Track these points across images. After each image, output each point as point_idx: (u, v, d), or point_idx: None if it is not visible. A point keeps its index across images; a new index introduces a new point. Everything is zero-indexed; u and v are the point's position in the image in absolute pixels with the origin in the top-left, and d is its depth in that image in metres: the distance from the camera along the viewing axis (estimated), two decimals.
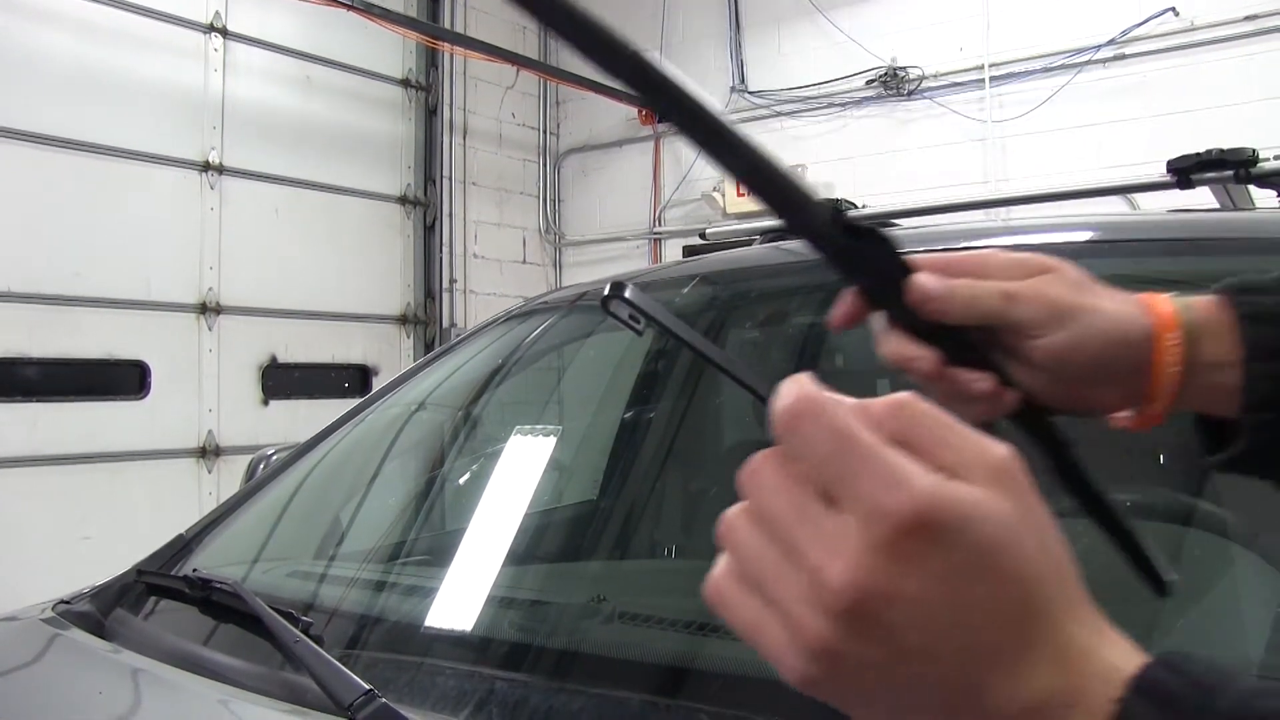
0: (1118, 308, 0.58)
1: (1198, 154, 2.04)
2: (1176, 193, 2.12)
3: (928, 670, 0.37)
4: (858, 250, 0.52)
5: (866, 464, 0.37)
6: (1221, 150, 2.01)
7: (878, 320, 0.55)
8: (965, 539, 0.37)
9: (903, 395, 0.40)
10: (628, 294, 0.49)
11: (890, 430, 0.39)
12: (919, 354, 0.55)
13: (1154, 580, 0.55)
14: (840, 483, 0.38)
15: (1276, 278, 0.59)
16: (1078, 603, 0.39)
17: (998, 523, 0.37)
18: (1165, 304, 0.59)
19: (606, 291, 0.49)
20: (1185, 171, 2.05)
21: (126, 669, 1.18)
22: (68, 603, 1.46)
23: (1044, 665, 0.38)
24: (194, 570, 1.35)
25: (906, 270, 0.54)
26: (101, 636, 1.36)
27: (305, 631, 1.09)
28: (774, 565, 0.38)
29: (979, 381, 0.55)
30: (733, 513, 0.41)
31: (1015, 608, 0.37)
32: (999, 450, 0.39)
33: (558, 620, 1.13)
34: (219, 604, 1.27)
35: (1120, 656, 0.38)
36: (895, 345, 0.56)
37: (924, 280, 0.54)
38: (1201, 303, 0.60)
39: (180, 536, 1.65)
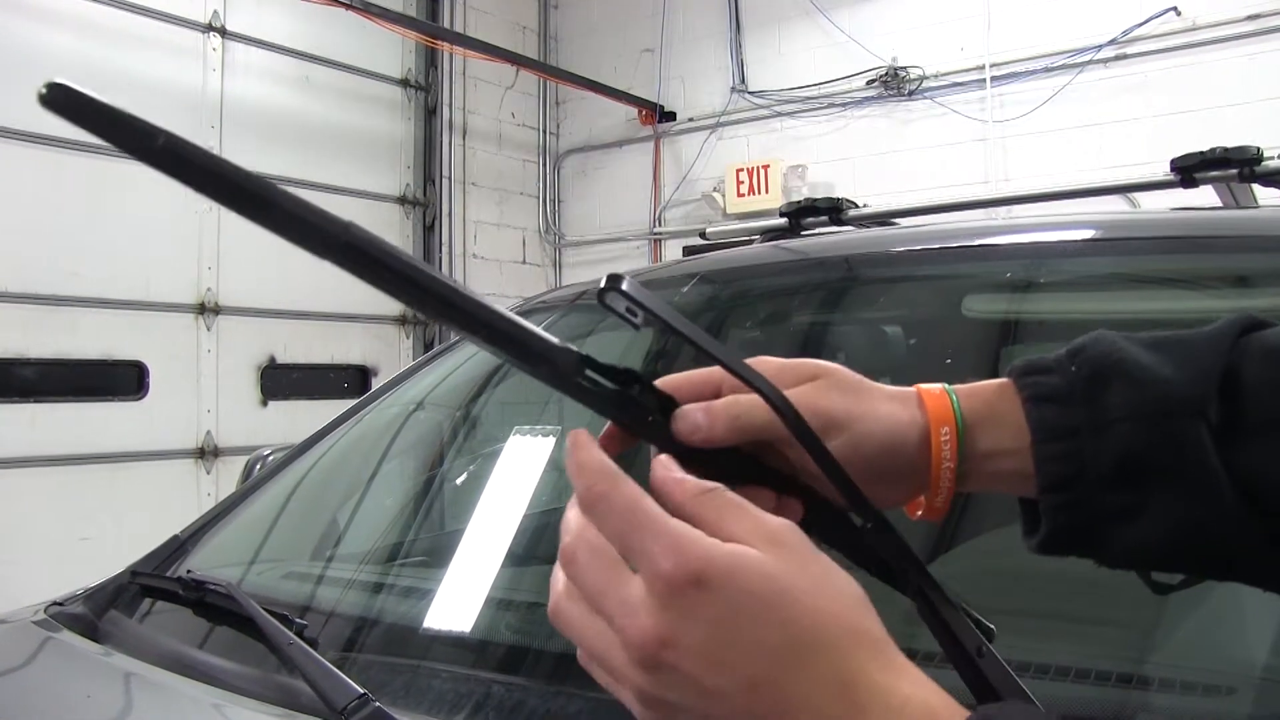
0: (890, 408, 0.57)
1: (1201, 152, 2.02)
2: (1177, 193, 2.10)
3: (730, 707, 0.44)
4: (613, 392, 0.51)
5: (649, 533, 0.45)
6: (1225, 149, 1.99)
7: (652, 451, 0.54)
8: (733, 587, 0.43)
9: (710, 484, 0.48)
10: (624, 286, 0.47)
11: (690, 510, 0.46)
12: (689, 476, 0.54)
13: (982, 630, 0.57)
14: (631, 551, 0.45)
15: (1058, 357, 0.58)
16: (867, 643, 0.44)
17: (762, 574, 0.44)
18: (939, 397, 0.58)
19: (602, 284, 0.47)
20: (1189, 170, 2.03)
21: (118, 672, 1.17)
22: (60, 604, 1.45)
23: (829, 699, 0.43)
24: (188, 572, 1.34)
25: (667, 405, 0.53)
26: (94, 639, 1.34)
27: (299, 634, 1.08)
28: (599, 638, 0.46)
29: (757, 499, 0.53)
30: (558, 595, 0.48)
31: (790, 647, 0.43)
32: (776, 522, 0.46)
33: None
34: (213, 606, 1.25)
35: (916, 691, 0.43)
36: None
37: (688, 412, 0.54)
38: (984, 389, 0.59)
39: (175, 537, 1.63)
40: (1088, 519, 0.55)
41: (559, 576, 0.48)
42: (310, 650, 0.99)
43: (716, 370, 0.56)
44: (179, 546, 1.61)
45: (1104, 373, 0.56)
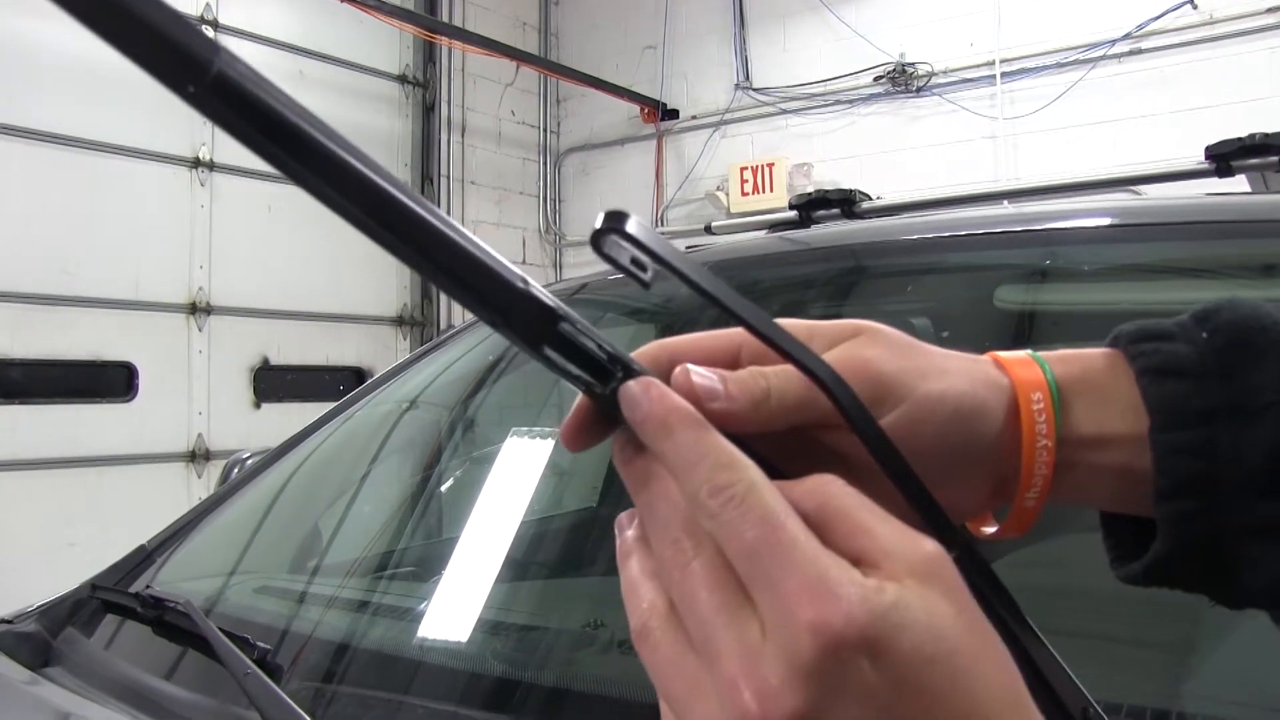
0: (960, 365, 0.44)
1: (1239, 139, 1.92)
2: (1185, 187, 2.01)
3: None
4: (588, 370, 0.38)
5: (791, 564, 0.33)
6: (1266, 134, 1.89)
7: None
8: (900, 653, 0.32)
9: (826, 475, 0.36)
10: (630, 228, 0.34)
11: (808, 507, 0.35)
12: None
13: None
14: (761, 582, 0.33)
15: (1181, 322, 0.45)
16: (1022, 708, 0.34)
17: (932, 632, 0.33)
18: (1023, 361, 0.45)
19: (599, 224, 0.34)
20: (1226, 157, 1.93)
21: (49, 709, 1.05)
22: (9, 621, 1.33)
23: None
24: (147, 587, 1.22)
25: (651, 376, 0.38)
26: (46, 661, 1.23)
27: (261, 659, 0.96)
28: (693, 687, 0.34)
29: None
30: (654, 610, 0.36)
31: None
32: (927, 545, 0.34)
33: (548, 650, 0.98)
34: (173, 625, 1.13)
35: None
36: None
37: (693, 380, 0.39)
38: (1079, 356, 0.45)
39: (142, 547, 1.52)
40: (1221, 535, 0.42)
41: (646, 587, 0.36)
42: (267, 681, 0.87)
43: (732, 335, 0.43)
44: (146, 557, 1.50)
45: (1249, 340, 0.42)
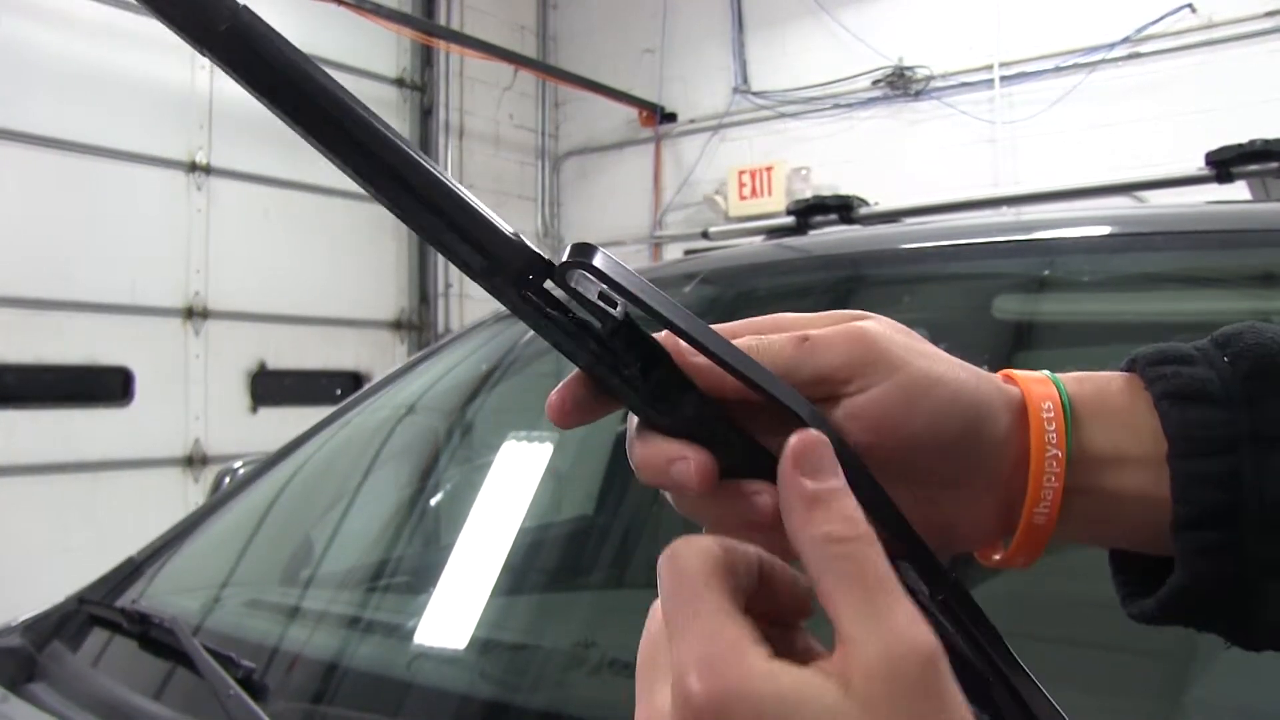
0: (968, 368, 0.42)
1: (1239, 145, 1.90)
2: (1185, 193, 1.99)
3: None
4: (574, 321, 0.36)
5: (691, 624, 0.31)
6: (1266, 140, 1.87)
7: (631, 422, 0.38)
8: None
9: (854, 530, 0.32)
10: (597, 262, 0.32)
11: (805, 552, 0.32)
12: (684, 453, 0.37)
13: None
14: (670, 630, 0.31)
15: (1202, 345, 0.43)
16: None
17: None
18: (1037, 377, 0.43)
19: (564, 257, 0.32)
20: (1226, 164, 1.91)
21: None
22: None
23: None
24: (132, 601, 1.20)
25: (653, 356, 0.37)
26: (30, 676, 1.21)
27: (246, 678, 0.94)
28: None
29: (763, 494, 0.37)
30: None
31: None
32: (919, 639, 0.30)
33: (539, 671, 0.97)
34: (158, 642, 1.12)
35: None
36: (650, 446, 0.38)
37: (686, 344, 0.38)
38: (1093, 377, 0.44)
39: (130, 559, 1.50)
40: (1243, 570, 0.40)
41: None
42: (250, 702, 0.86)
43: (740, 323, 0.42)
44: (134, 569, 1.48)
45: (1274, 367, 0.41)
